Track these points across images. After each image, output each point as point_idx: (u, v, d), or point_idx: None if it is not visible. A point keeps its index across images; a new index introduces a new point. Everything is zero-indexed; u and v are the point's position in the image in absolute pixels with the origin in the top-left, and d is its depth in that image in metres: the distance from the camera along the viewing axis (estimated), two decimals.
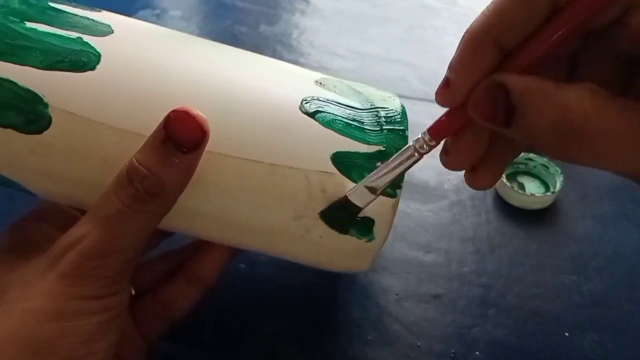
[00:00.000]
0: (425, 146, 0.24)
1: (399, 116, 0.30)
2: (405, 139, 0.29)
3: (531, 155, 0.45)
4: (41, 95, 0.26)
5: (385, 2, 0.66)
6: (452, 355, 0.34)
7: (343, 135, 0.28)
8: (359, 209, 0.27)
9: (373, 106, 0.30)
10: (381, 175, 0.26)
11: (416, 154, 0.25)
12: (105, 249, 0.24)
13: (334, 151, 0.27)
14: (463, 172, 0.26)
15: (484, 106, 0.21)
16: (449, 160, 0.25)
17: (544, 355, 0.34)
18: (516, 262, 0.39)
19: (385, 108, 0.30)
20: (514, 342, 0.35)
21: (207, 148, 0.25)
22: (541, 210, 0.42)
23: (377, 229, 0.28)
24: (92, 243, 0.24)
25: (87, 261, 0.24)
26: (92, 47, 0.27)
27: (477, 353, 0.34)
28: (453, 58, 0.22)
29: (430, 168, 0.45)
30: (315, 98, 0.29)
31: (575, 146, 0.20)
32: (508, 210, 0.42)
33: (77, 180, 0.26)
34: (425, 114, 0.53)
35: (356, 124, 0.28)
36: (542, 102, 0.20)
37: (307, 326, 0.35)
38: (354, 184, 0.27)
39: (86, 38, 0.27)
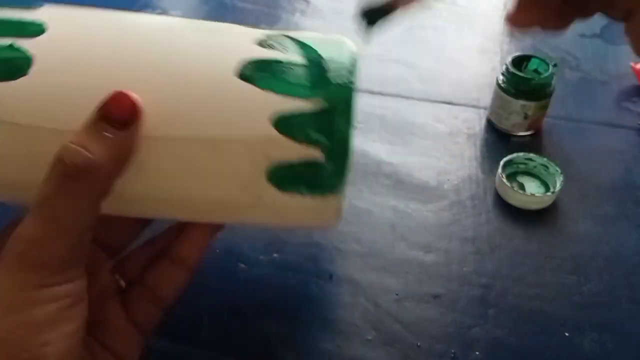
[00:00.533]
0: None
1: (346, 67, 0.28)
2: (351, 91, 0.28)
3: (531, 155, 0.45)
4: None
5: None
6: (452, 355, 0.34)
7: (283, 95, 0.27)
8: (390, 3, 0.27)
9: (317, 59, 0.28)
10: None
11: None
12: (42, 235, 0.24)
13: (274, 113, 0.26)
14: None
15: None
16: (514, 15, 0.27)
17: (544, 355, 0.34)
18: (516, 262, 0.39)
19: (332, 59, 0.29)
20: (514, 342, 0.35)
21: (146, 133, 0.25)
22: (541, 210, 0.42)
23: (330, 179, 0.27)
24: (29, 231, 0.24)
25: (26, 251, 0.24)
26: (24, 52, 0.26)
27: (477, 353, 0.34)
28: None
29: (430, 168, 0.45)
30: (253, 60, 0.27)
31: None
32: (508, 210, 0.42)
33: (31, 185, 0.26)
34: (425, 114, 0.53)
35: (297, 81, 0.27)
36: None
37: (306, 326, 0.35)
38: (298, 145, 0.26)
39: (18, 42, 0.27)
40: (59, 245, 0.24)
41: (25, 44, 0.27)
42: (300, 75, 0.27)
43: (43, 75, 0.26)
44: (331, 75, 0.28)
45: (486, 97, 0.50)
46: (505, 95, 0.47)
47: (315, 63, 0.28)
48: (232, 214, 0.28)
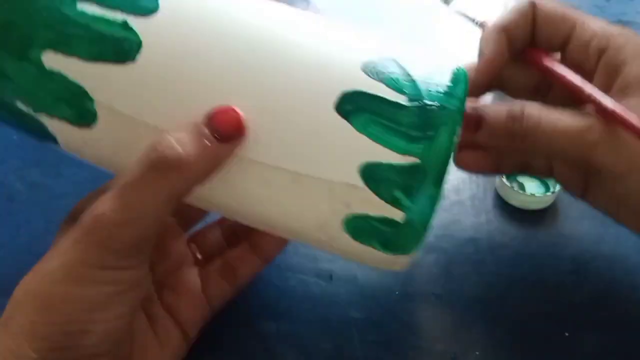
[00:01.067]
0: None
1: (450, 119, 0.25)
2: (449, 154, 0.26)
3: None
4: (87, 90, 0.25)
5: (385, 2, 0.66)
6: (452, 355, 0.34)
7: (377, 142, 0.25)
8: None
9: (422, 104, 0.25)
10: None
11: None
12: (115, 219, 0.24)
13: (364, 162, 0.25)
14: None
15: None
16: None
17: (544, 355, 0.34)
18: (516, 262, 0.39)
19: (439, 106, 0.25)
20: (514, 342, 0.35)
21: (238, 151, 0.26)
22: (541, 210, 0.42)
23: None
24: (104, 211, 0.24)
25: (98, 230, 0.24)
26: (135, 33, 0.25)
27: (477, 353, 0.34)
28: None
29: None
30: (355, 92, 0.25)
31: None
32: (508, 210, 0.42)
33: (125, 168, 0.26)
34: None
35: (394, 127, 0.25)
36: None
37: (306, 326, 0.35)
38: (380, 201, 0.25)
39: (131, 21, 0.25)
40: (129, 233, 0.25)
41: (137, 24, 0.25)
42: (399, 123, 0.25)
43: (151, 65, 0.26)
44: (431, 132, 0.25)
45: (486, 97, 0.50)
46: (505, 95, 0.47)
47: (418, 109, 0.25)
48: (307, 242, 0.29)
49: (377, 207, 0.26)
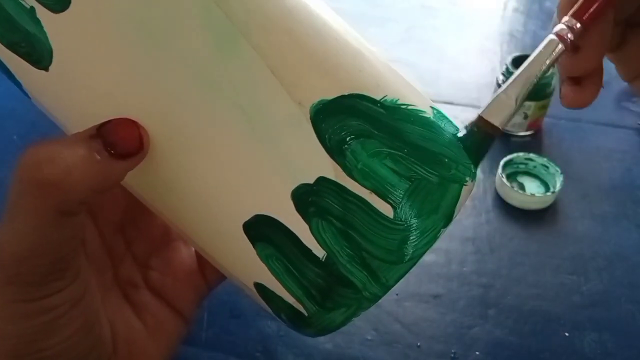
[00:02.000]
0: (570, 34, 0.23)
1: (356, 299, 0.23)
2: (340, 325, 0.23)
3: (531, 155, 0.45)
4: (12, 72, 0.24)
5: (385, 2, 0.66)
6: (452, 355, 0.34)
7: (275, 277, 0.22)
8: (498, 130, 0.22)
9: (335, 266, 0.21)
10: (522, 81, 0.22)
11: (561, 45, 0.23)
12: (15, 252, 0.22)
13: (259, 281, 0.22)
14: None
15: None
16: (575, 60, 0.24)
17: (544, 355, 0.34)
18: (516, 262, 0.39)
19: (349, 274, 0.22)
20: (514, 342, 0.35)
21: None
22: (541, 210, 0.42)
23: None
24: (6, 243, 0.22)
25: (7, 267, 0.22)
26: (44, 35, 0.23)
27: (477, 353, 0.34)
28: None
29: None
30: (269, 219, 0.21)
31: None
32: (508, 210, 0.42)
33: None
34: None
35: (297, 276, 0.22)
36: None
37: None
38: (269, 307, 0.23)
39: (39, 13, 0.22)
40: (33, 263, 0.22)
41: (45, 22, 0.22)
42: (303, 274, 0.22)
43: (61, 78, 0.23)
44: (330, 304, 0.22)
45: (486, 97, 0.50)
46: None
47: (327, 274, 0.22)
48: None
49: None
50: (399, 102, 0.22)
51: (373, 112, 0.21)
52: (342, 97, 0.21)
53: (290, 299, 0.22)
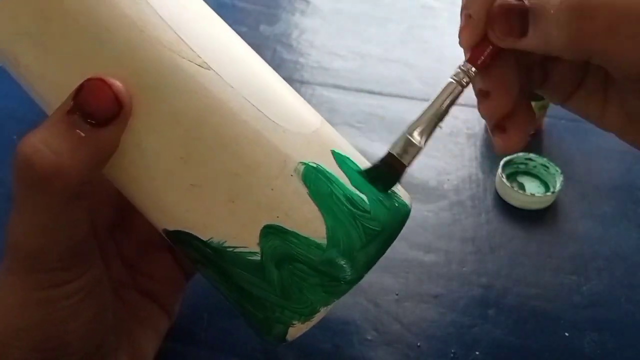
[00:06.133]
0: (465, 78, 0.25)
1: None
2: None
3: (531, 155, 0.45)
4: None
5: (385, 2, 0.66)
6: (452, 355, 0.34)
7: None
8: (404, 166, 0.25)
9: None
10: (425, 120, 0.25)
11: (459, 87, 0.25)
12: (32, 244, 0.22)
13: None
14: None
15: (500, 23, 0.24)
16: (488, 104, 0.26)
17: (544, 355, 0.34)
18: (516, 262, 0.39)
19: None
20: (514, 342, 0.35)
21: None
22: (541, 210, 0.42)
23: None
24: (17, 238, 0.23)
25: (24, 259, 0.23)
26: None
27: (477, 353, 0.34)
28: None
29: (430, 168, 0.45)
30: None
31: (588, 22, 0.21)
32: (508, 210, 0.42)
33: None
34: None
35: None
36: None
37: None
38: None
39: None
40: (52, 252, 0.23)
41: None
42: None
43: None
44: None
45: None
46: None
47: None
48: None
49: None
50: (225, 244, 0.24)
51: (203, 250, 0.24)
52: (178, 232, 0.24)
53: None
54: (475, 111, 0.27)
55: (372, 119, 0.50)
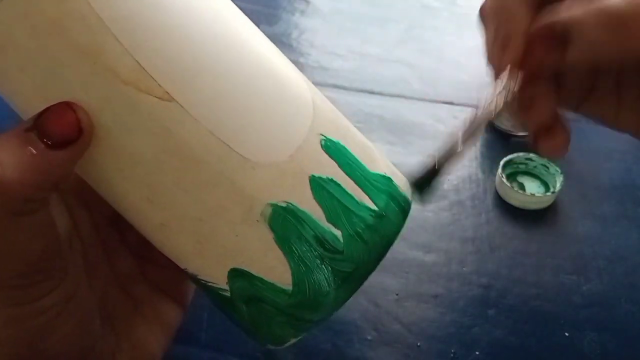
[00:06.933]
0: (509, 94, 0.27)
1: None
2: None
3: (531, 155, 0.45)
4: None
5: (385, 2, 0.66)
6: (452, 355, 0.34)
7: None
8: (438, 171, 0.26)
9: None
10: (473, 128, 0.26)
11: (502, 103, 0.27)
12: None
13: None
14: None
15: (542, 42, 0.25)
16: (532, 113, 0.29)
17: (544, 355, 0.34)
18: (516, 262, 0.39)
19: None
20: (514, 342, 0.35)
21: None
22: (541, 210, 0.42)
23: None
24: None
25: None
26: None
27: (477, 353, 0.34)
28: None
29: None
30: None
31: (624, 30, 0.22)
32: (508, 210, 0.42)
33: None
34: (425, 114, 0.53)
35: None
36: (579, 9, 0.23)
37: None
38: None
39: None
40: (12, 267, 0.22)
41: None
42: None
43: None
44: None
45: (486, 97, 0.50)
46: None
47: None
48: None
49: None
50: (198, 277, 0.24)
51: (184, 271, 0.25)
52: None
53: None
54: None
55: (372, 119, 0.50)
